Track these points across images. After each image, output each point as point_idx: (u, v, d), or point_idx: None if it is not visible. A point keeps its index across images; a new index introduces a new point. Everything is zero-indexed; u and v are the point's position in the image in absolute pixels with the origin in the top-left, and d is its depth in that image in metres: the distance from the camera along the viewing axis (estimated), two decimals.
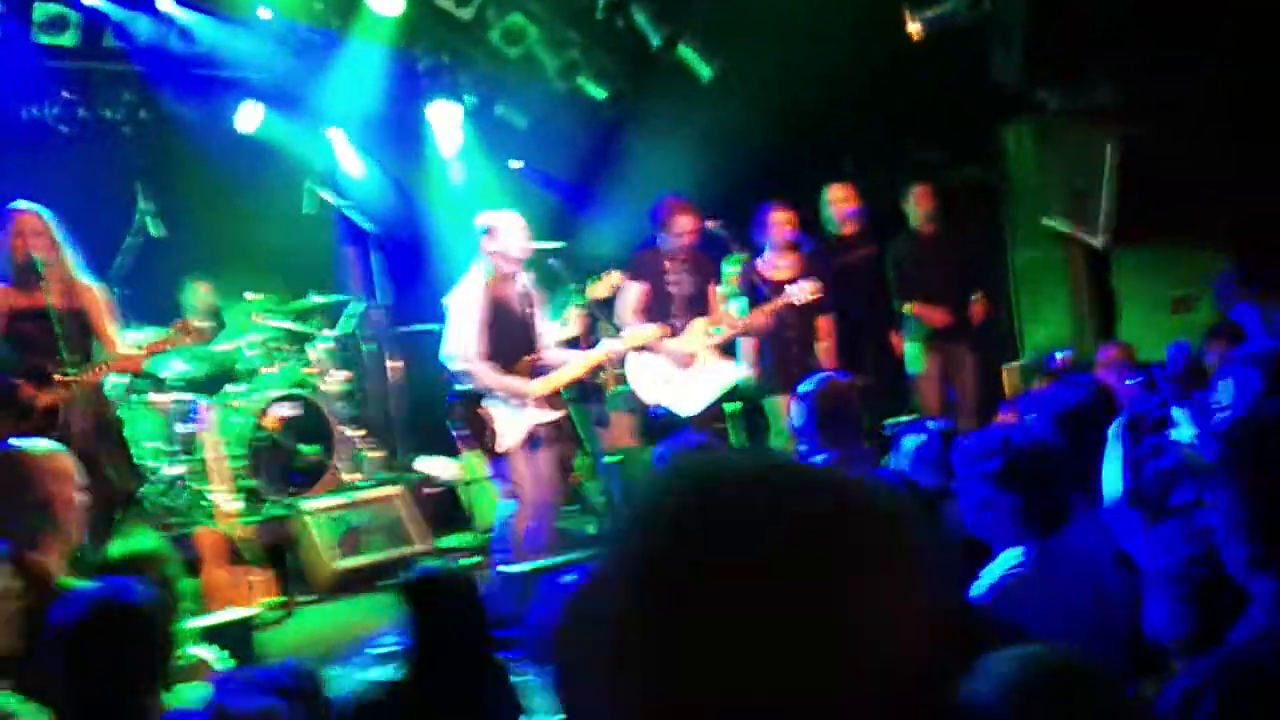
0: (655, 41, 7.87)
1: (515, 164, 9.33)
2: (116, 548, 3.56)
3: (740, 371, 6.47)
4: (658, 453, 3.96)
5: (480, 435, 5.60)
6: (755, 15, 7.48)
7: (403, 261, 8.54)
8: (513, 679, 3.32)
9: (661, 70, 8.06)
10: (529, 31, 7.98)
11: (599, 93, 8.46)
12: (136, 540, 3.70)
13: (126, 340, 5.39)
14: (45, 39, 7.10)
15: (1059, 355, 6.46)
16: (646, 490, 0.94)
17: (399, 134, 8.99)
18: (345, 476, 7.49)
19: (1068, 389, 3.74)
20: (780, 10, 7.29)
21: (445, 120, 9.08)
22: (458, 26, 7.81)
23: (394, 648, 5.23)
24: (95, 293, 5.16)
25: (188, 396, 7.19)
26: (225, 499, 6.48)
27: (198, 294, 7.66)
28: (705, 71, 7.94)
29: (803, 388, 3.94)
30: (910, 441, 3.82)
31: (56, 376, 4.67)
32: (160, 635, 2.52)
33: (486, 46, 8.08)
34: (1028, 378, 7.14)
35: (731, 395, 6.59)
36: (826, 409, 3.79)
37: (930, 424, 3.81)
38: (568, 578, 1.98)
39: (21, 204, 4.99)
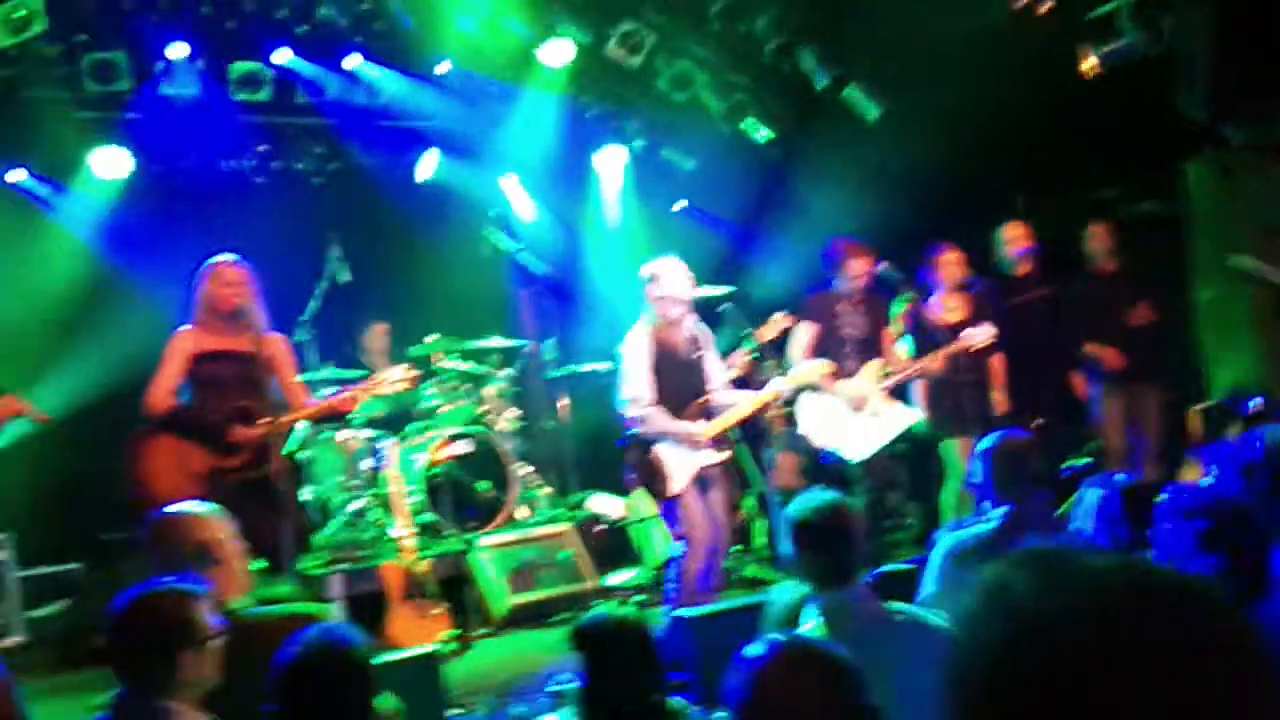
0: (821, 83, 7.90)
1: (679, 205, 9.49)
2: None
3: (913, 415, 6.41)
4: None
5: (652, 479, 5.68)
6: (923, 54, 7.44)
7: (572, 303, 8.77)
8: None
9: (827, 111, 8.08)
10: (696, 77, 8.12)
11: (765, 134, 8.55)
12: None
13: (304, 386, 5.67)
14: (242, 96, 7.55)
15: (1252, 403, 6.20)
16: (1004, 591, 0.94)
17: (568, 179, 9.25)
18: (517, 513, 7.68)
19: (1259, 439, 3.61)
20: (949, 49, 7.24)
21: (612, 164, 9.32)
22: (626, 74, 7.99)
23: (568, 687, 5.38)
24: (282, 343, 5.45)
25: (370, 434, 7.50)
26: (406, 534, 6.72)
27: (378, 337, 8.00)
28: (872, 112, 7.94)
29: (981, 445, 3.91)
30: (1092, 496, 3.74)
31: (260, 419, 4.95)
32: (370, 679, 2.65)
33: (654, 92, 8.24)
34: (1214, 422, 6.87)
35: (903, 439, 6.53)
36: (1004, 466, 3.75)
37: (1115, 478, 3.72)
38: (756, 649, 2.00)
39: (225, 256, 5.32)
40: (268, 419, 4.87)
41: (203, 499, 4.85)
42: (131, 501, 4.95)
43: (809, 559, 3.14)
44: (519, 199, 9.19)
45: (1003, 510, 3.67)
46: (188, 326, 5.16)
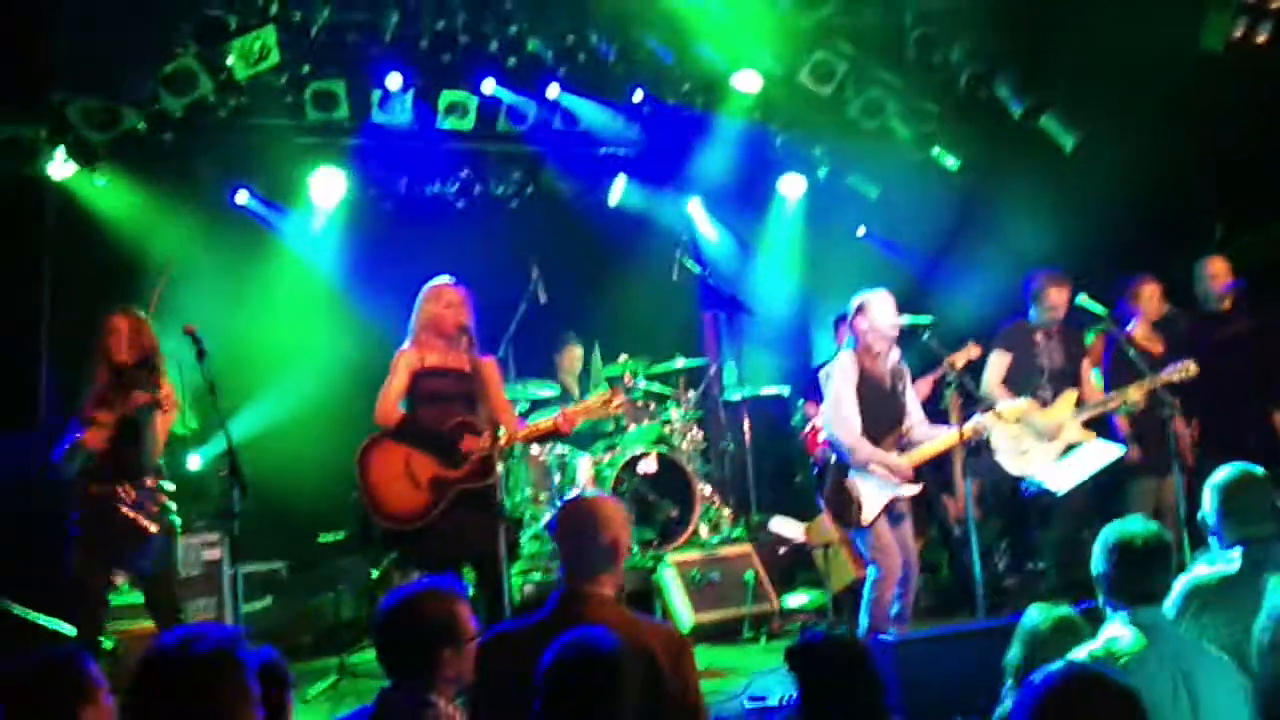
0: (1017, 112, 7.86)
1: (860, 231, 9.53)
2: None
3: (1114, 450, 6.31)
4: None
5: (845, 508, 5.75)
6: (1123, 82, 7.35)
7: (752, 327, 8.91)
8: None
9: (1021, 139, 8.03)
10: (886, 104, 8.17)
11: (954, 162, 8.54)
12: None
13: (511, 406, 5.92)
14: (448, 124, 7.91)
15: None
16: None
17: (752, 204, 9.40)
18: (700, 533, 7.82)
19: None
20: (1147, 78, 7.15)
21: (795, 190, 9.43)
22: (816, 102, 8.08)
23: (771, 704, 5.48)
24: (494, 363, 5.70)
25: (561, 450, 7.75)
26: None
27: (571, 358, 8.28)
28: (1069, 140, 7.86)
29: (1215, 480, 3.86)
30: None
31: (481, 433, 5.22)
32: (624, 681, 2.79)
33: (842, 120, 8.32)
34: None
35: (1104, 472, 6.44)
36: (1239, 502, 3.70)
37: None
38: (1048, 673, 2.06)
39: (444, 277, 5.61)
40: (493, 433, 5.12)
41: (429, 507, 5.17)
42: (362, 506, 5.25)
43: (1126, 576, 3.25)
44: (704, 223, 9.39)
45: (1239, 550, 3.63)
46: (410, 343, 5.45)
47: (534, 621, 3.34)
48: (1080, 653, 3.17)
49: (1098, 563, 3.36)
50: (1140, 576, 3.27)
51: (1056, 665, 2.11)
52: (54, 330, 6.77)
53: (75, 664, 2.78)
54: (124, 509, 5.18)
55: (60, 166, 6.84)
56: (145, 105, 6.65)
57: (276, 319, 7.53)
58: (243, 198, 7.94)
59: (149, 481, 5.26)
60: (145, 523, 5.22)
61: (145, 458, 5.20)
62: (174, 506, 5.37)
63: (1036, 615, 3.52)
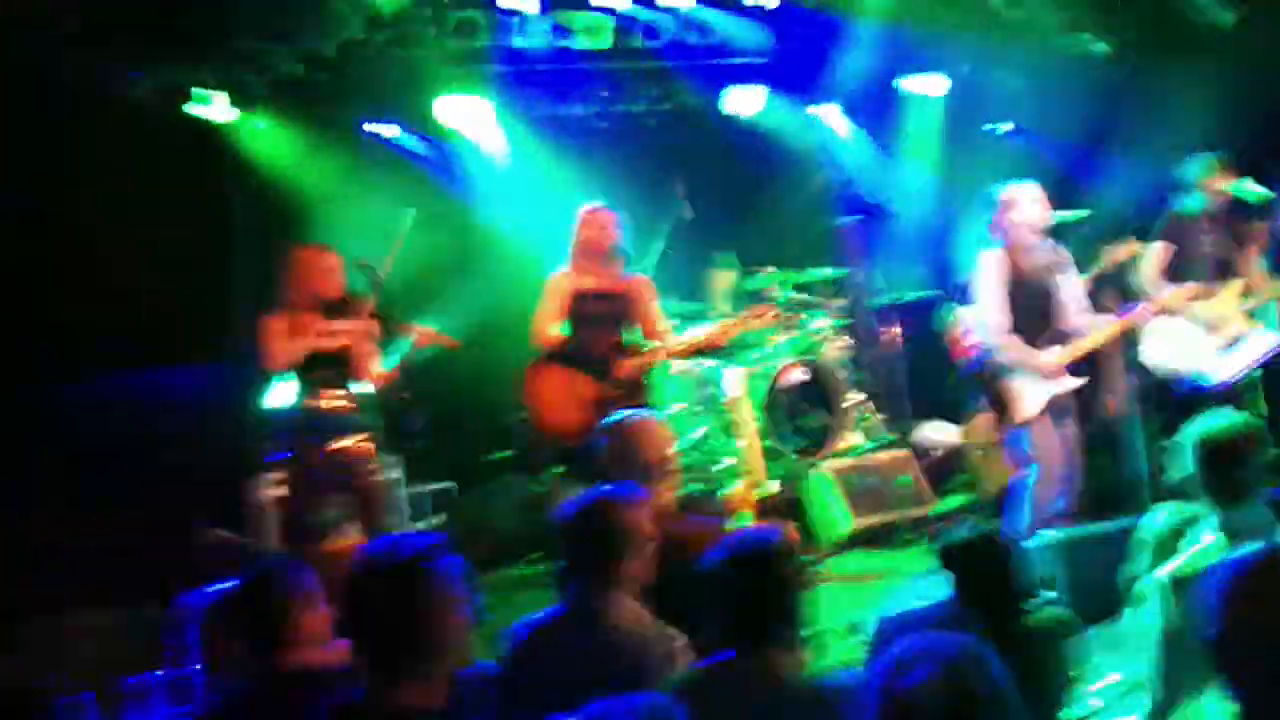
0: None
1: (1005, 127, 9.27)
2: None
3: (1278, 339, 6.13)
4: None
5: (1002, 406, 5.73)
6: None
7: (899, 232, 8.83)
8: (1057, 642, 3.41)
9: (1175, 20, 7.70)
10: None
11: (1103, 48, 8.24)
12: None
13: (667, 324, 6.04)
14: (584, 44, 7.98)
15: None
16: None
17: (891, 107, 9.24)
18: (851, 440, 7.88)
19: None
20: None
21: (938, 90, 9.22)
22: None
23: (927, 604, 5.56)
24: (648, 283, 5.83)
25: (710, 363, 7.86)
26: (750, 458, 7.04)
27: (721, 276, 8.34)
28: (1225, 18, 7.50)
29: None
30: None
31: (636, 352, 5.38)
32: (795, 572, 2.92)
33: (985, 11, 8.08)
34: None
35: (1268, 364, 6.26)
36: None
37: None
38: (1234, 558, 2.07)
39: (596, 201, 5.75)
40: (649, 351, 5.28)
41: (590, 424, 5.34)
42: (530, 427, 5.47)
43: (1212, 476, 3.20)
44: (843, 129, 9.28)
45: None
46: (565, 267, 5.61)
47: None
48: (1167, 566, 3.13)
49: (1188, 463, 3.30)
50: (1226, 474, 3.19)
51: (1239, 550, 2.14)
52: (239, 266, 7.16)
53: (292, 573, 3.04)
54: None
55: (223, 111, 7.19)
56: (300, 47, 6.90)
57: (434, 250, 7.77)
58: (393, 132, 8.18)
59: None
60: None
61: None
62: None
63: (1159, 518, 3.51)
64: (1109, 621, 4.36)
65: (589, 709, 1.95)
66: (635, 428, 4.01)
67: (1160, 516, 3.58)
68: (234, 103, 7.24)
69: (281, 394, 5.52)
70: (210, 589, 4.51)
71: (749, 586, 2.89)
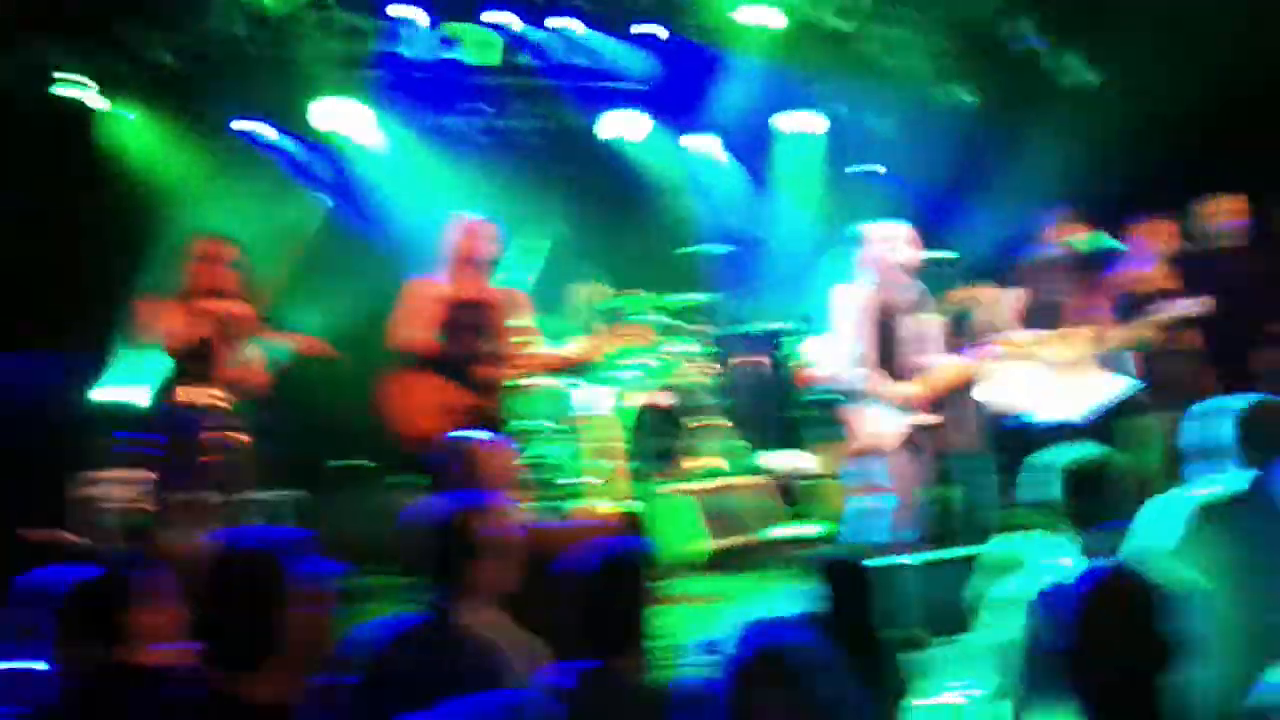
0: (1039, 49, 7.90)
1: (877, 170, 9.58)
2: None
3: (1129, 384, 6.44)
4: None
5: (854, 436, 5.87)
6: (1143, 22, 7.37)
7: (766, 263, 9.01)
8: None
9: (1041, 78, 8.07)
10: (906, 41, 8.19)
11: (969, 99, 8.58)
12: None
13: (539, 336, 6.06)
14: (470, 58, 7.98)
15: None
16: None
17: (768, 141, 9.44)
18: (710, 463, 7.98)
19: None
20: (1170, 14, 7.16)
21: (810, 128, 9.47)
22: (835, 39, 8.11)
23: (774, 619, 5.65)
24: (522, 295, 5.83)
25: (575, 380, 7.87)
26: (610, 478, 7.08)
27: (588, 293, 8.37)
28: (1089, 79, 7.90)
29: (1232, 405, 3.97)
30: None
31: (506, 362, 5.37)
32: (650, 584, 2.95)
33: (861, 57, 8.35)
34: None
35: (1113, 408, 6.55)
36: (1258, 429, 3.81)
37: None
38: (1078, 574, 2.18)
39: (473, 211, 5.73)
40: (517, 363, 5.27)
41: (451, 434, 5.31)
42: (392, 433, 5.41)
43: (1076, 502, 3.38)
44: (719, 159, 9.45)
45: (1250, 474, 3.75)
46: (438, 274, 5.57)
47: None
48: (1028, 582, 3.29)
49: (1051, 490, 3.49)
50: (1089, 501, 3.41)
51: (1090, 567, 2.25)
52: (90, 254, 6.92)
53: (137, 569, 2.94)
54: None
55: (92, 98, 6.96)
56: (178, 40, 6.73)
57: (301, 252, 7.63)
58: (268, 133, 8.01)
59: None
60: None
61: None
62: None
63: (1000, 546, 3.68)
64: (953, 640, 4.56)
65: (463, 704, 1.93)
66: (476, 450, 4.03)
67: (1010, 541, 3.73)
68: (104, 91, 7.00)
69: (129, 386, 5.38)
70: (48, 582, 4.33)
71: (613, 595, 2.91)
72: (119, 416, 5.42)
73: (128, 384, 5.54)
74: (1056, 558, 3.46)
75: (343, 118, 8.03)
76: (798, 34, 8.38)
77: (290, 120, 8.04)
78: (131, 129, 7.39)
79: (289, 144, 8.09)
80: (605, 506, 6.87)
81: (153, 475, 5.55)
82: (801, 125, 9.48)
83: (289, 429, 6.62)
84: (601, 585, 2.90)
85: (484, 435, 4.08)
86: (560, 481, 7.50)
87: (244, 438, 5.44)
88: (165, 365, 5.43)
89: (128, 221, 6.91)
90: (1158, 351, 6.49)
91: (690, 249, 8.66)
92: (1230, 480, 3.75)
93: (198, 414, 5.31)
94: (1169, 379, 6.43)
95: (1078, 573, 2.18)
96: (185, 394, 5.33)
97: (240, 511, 5.54)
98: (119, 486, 5.51)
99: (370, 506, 7.52)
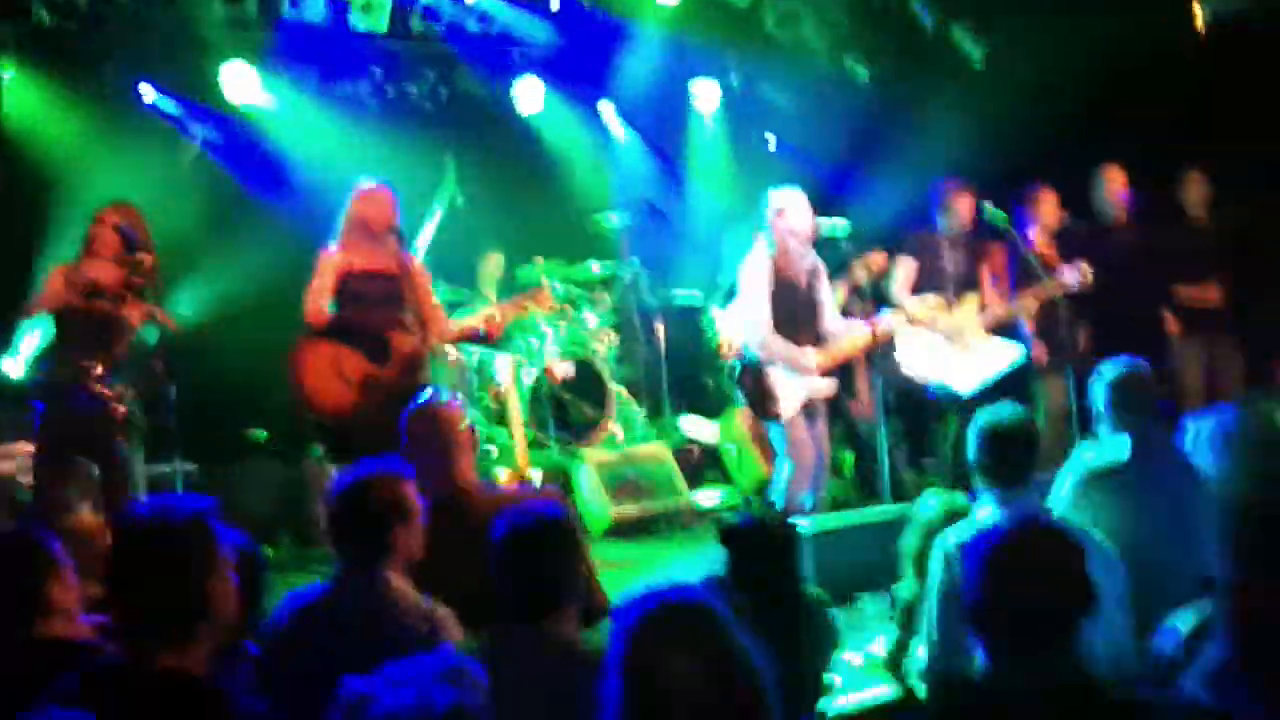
0: (927, 24, 8.06)
1: (770, 139, 9.69)
2: None
3: (1015, 351, 6.64)
4: None
5: (762, 403, 5.96)
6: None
7: (667, 231, 9.06)
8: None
9: (932, 52, 8.24)
10: (802, 15, 8.29)
11: (864, 73, 8.73)
12: None
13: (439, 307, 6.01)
14: (361, 22, 7.81)
15: None
16: None
17: (667, 112, 9.47)
18: (616, 432, 8.03)
19: None
20: None
21: (708, 98, 9.52)
22: (733, 13, 8.17)
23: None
24: (421, 265, 5.77)
25: (477, 350, 7.85)
26: (516, 446, 7.07)
27: (491, 264, 8.33)
28: (976, 54, 8.09)
29: (1105, 371, 4.14)
30: (1203, 426, 3.99)
31: (410, 333, 5.31)
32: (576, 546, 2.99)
33: (758, 30, 8.42)
34: None
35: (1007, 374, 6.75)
36: (1127, 395, 3.99)
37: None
38: (996, 526, 2.27)
39: (371, 179, 5.64)
40: (423, 333, 5.22)
41: (358, 404, 5.26)
42: (292, 404, 5.33)
43: (991, 459, 3.50)
44: (620, 129, 9.45)
45: (1127, 439, 3.92)
46: (337, 244, 5.48)
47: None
48: (951, 535, 3.43)
49: (970, 449, 3.63)
50: (1007, 461, 3.55)
51: (1005, 519, 2.34)
52: None
53: (39, 542, 2.87)
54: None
55: None
56: None
57: (191, 219, 7.41)
58: (150, 94, 7.75)
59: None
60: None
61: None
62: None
63: (931, 503, 3.81)
64: (850, 605, 4.70)
65: (391, 669, 1.93)
66: (440, 410, 4.01)
67: (931, 501, 3.85)
68: None
69: (13, 360, 5.22)
70: None
71: (539, 556, 2.92)
72: (14, 389, 5.23)
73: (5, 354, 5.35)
74: (973, 512, 3.59)
75: (233, 81, 7.80)
76: (697, 5, 8.41)
77: (178, 83, 7.78)
78: (10, 88, 7.09)
79: (170, 105, 7.83)
80: (509, 476, 6.87)
81: (30, 448, 5.43)
82: (702, 96, 9.52)
83: (184, 400, 6.50)
84: (531, 547, 2.91)
85: (440, 396, 4.09)
86: None
87: (123, 409, 5.29)
88: (47, 333, 5.27)
89: (11, 187, 6.64)
90: (1042, 320, 6.70)
91: (594, 217, 8.65)
92: (1111, 446, 3.93)
93: (77, 384, 5.17)
94: (1053, 347, 6.66)
95: (993, 525, 2.28)
96: (64, 362, 5.19)
97: (125, 483, 5.41)
98: (7, 460, 5.33)
99: (267, 480, 7.45)
